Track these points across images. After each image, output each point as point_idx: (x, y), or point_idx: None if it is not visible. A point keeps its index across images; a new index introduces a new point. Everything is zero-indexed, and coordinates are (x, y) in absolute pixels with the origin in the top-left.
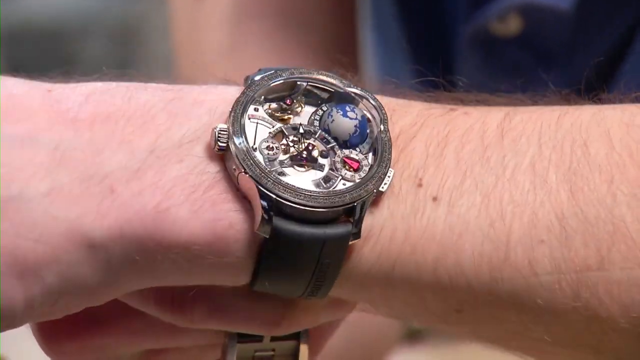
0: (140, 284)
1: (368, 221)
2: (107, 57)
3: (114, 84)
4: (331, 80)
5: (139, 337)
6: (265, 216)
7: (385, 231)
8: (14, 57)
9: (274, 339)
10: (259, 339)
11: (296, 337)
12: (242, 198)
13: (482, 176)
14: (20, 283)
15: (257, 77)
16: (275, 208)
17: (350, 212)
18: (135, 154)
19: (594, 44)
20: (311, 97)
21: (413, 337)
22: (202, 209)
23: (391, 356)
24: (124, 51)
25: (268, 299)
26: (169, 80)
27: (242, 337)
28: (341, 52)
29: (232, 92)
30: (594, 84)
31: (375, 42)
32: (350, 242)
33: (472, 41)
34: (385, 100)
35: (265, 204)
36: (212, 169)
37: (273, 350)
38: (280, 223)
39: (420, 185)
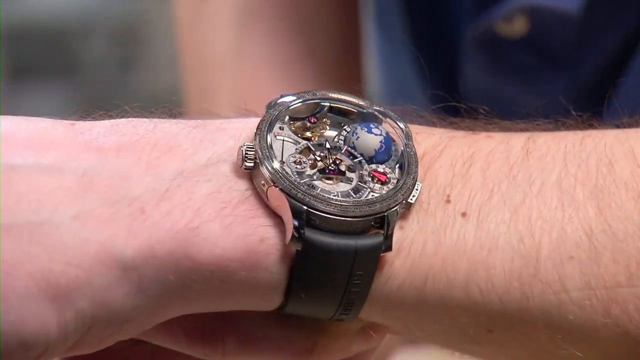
0: (174, 308)
1: (398, 235)
2: (108, 57)
3: (135, 119)
4: (354, 100)
5: None
6: (296, 229)
7: (415, 245)
8: (15, 57)
9: None
10: None
11: None
12: (272, 213)
13: (510, 193)
14: (53, 307)
15: (280, 101)
16: (306, 220)
17: (380, 223)
18: (163, 177)
19: (599, 45)
20: (333, 119)
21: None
22: (233, 225)
23: (392, 357)
24: (125, 51)
25: (299, 326)
26: (173, 81)
27: None
28: (345, 52)
29: (254, 121)
30: (602, 87)
31: (379, 42)
32: (381, 254)
33: (478, 42)
34: (408, 124)
35: (295, 216)
36: (241, 186)
37: None
38: (312, 235)
39: (448, 201)
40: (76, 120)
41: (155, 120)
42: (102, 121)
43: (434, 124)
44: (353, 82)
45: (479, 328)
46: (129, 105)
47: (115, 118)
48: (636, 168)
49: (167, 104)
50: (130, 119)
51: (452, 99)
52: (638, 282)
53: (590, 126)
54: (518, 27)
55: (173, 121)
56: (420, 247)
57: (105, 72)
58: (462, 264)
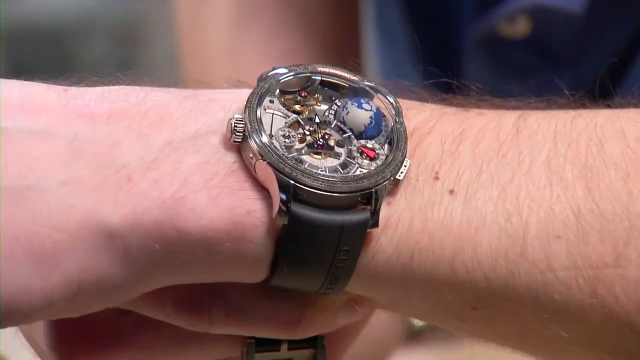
0: (160, 278)
1: (385, 211)
2: (108, 57)
3: (128, 86)
4: (345, 74)
5: (154, 353)
6: (283, 203)
7: (402, 221)
8: (15, 57)
9: (291, 347)
10: (276, 348)
11: (314, 345)
12: (260, 186)
13: (499, 171)
14: (38, 271)
15: (271, 73)
16: (293, 194)
17: (367, 199)
18: (152, 146)
19: (603, 46)
20: (324, 93)
21: (414, 337)
22: (220, 196)
23: (392, 357)
24: (125, 51)
25: (286, 298)
26: (174, 78)
27: (259, 347)
28: (344, 53)
29: (246, 93)
30: (604, 87)
31: (379, 43)
32: (368, 230)
33: (480, 43)
34: (398, 100)
35: (283, 190)
36: (229, 158)
37: (291, 359)
38: (299, 209)
39: (436, 178)
40: (70, 86)
41: (147, 88)
42: (95, 88)
43: (425, 100)
44: (355, 69)
45: (465, 305)
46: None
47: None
48: (626, 148)
49: (171, 80)
50: (122, 86)
51: (445, 76)
52: (625, 263)
53: (582, 105)
54: (520, 27)
55: (165, 90)
56: (407, 223)
57: (104, 73)
58: (448, 240)
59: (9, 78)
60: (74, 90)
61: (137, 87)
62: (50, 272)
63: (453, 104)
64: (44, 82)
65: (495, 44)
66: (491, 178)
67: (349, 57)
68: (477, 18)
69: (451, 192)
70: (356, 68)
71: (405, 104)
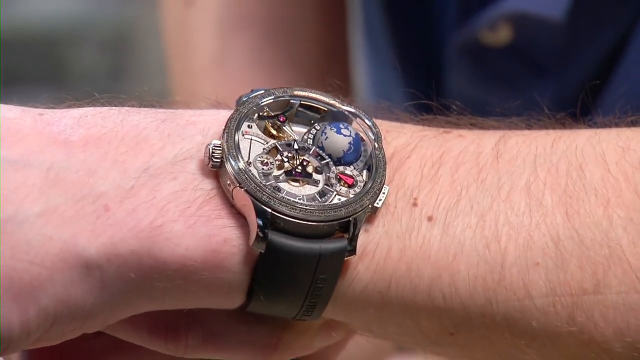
0: (136, 306)
1: (363, 238)
2: (99, 64)
3: (105, 108)
4: (324, 98)
5: None
6: (260, 231)
7: (380, 249)
8: (4, 64)
9: None
10: None
11: None
12: (237, 214)
13: (478, 197)
14: (16, 306)
15: (251, 96)
16: (270, 223)
17: (345, 227)
18: (128, 173)
19: (585, 54)
20: (303, 116)
21: (404, 348)
22: (196, 225)
23: None
24: (116, 58)
25: (263, 322)
26: (163, 86)
27: None
28: (330, 61)
29: (224, 114)
30: (585, 96)
31: (367, 52)
32: (345, 258)
33: (462, 50)
34: (379, 122)
35: (260, 218)
36: (206, 185)
37: None
38: (276, 238)
39: (415, 204)
40: (46, 108)
41: (124, 111)
42: (71, 111)
43: (405, 121)
44: (338, 90)
45: (442, 331)
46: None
47: (85, 107)
48: (606, 173)
49: (151, 99)
50: (99, 109)
51: (426, 98)
52: (604, 290)
53: (563, 125)
54: (502, 35)
55: (142, 112)
56: (385, 252)
57: (95, 81)
58: (426, 269)
59: (0, 85)
60: (49, 115)
61: (115, 110)
62: (27, 305)
63: (433, 123)
64: (36, 90)
65: (477, 51)
66: (470, 205)
67: (336, 65)
68: (459, 25)
69: (430, 218)
70: (336, 89)
71: (384, 125)
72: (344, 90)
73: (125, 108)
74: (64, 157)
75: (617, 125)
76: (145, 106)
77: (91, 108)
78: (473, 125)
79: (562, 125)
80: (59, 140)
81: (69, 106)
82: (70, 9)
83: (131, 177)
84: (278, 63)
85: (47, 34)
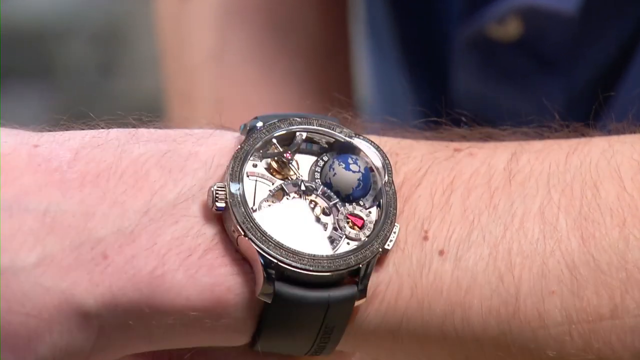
0: (136, 347)
1: (373, 279)
2: (89, 60)
3: (103, 135)
4: (332, 132)
5: None
6: (267, 281)
7: (391, 289)
8: None
9: None
10: None
11: None
12: (242, 260)
13: (490, 226)
14: (12, 356)
15: (255, 126)
16: (276, 272)
17: (355, 272)
18: (128, 216)
19: (597, 48)
20: (311, 146)
21: None
22: (198, 274)
23: None
24: (107, 54)
25: (270, 356)
26: (155, 80)
27: None
28: (331, 54)
29: (228, 140)
30: (595, 92)
31: (369, 46)
32: (355, 304)
33: (469, 46)
34: (388, 144)
35: (266, 269)
36: (209, 231)
37: None
38: (283, 288)
39: (426, 238)
40: (42, 131)
41: (124, 141)
42: (68, 142)
43: (415, 137)
44: (339, 83)
45: None
46: (110, 112)
47: (86, 129)
48: (622, 191)
49: (149, 110)
50: (97, 139)
51: (438, 108)
52: (622, 314)
53: (576, 132)
54: (511, 29)
55: (142, 142)
56: (396, 292)
57: (85, 76)
58: (438, 305)
59: None
60: (45, 147)
61: (114, 140)
62: (25, 356)
63: (443, 137)
64: (25, 86)
65: (485, 46)
66: (482, 235)
67: (337, 59)
68: (466, 18)
69: (441, 253)
70: (344, 105)
71: (394, 148)
72: (348, 106)
73: (124, 136)
74: (60, 198)
75: (632, 132)
76: (144, 126)
77: (89, 137)
78: (483, 137)
79: (575, 132)
80: (54, 180)
81: (67, 128)
82: (61, 2)
83: (130, 221)
84: (278, 59)
85: (36, 28)
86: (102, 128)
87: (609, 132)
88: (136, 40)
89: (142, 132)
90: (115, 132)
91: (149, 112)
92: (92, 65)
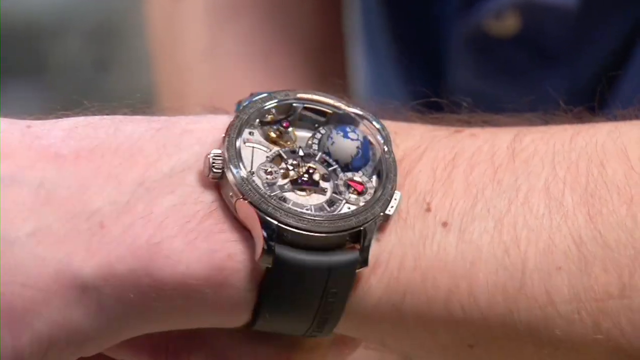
0: (135, 328)
1: (375, 249)
2: (82, 57)
3: (96, 118)
4: (330, 101)
5: None
6: (267, 245)
7: (393, 258)
8: None
9: None
10: None
11: None
12: (241, 227)
13: (494, 200)
14: (8, 332)
15: (249, 101)
16: (277, 235)
17: (356, 238)
18: (123, 188)
19: (598, 43)
20: (308, 120)
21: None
22: (197, 240)
23: None
24: (103, 50)
25: (271, 341)
26: (149, 77)
27: None
28: (327, 47)
29: (223, 120)
30: (602, 88)
31: (364, 40)
32: (357, 270)
33: (466, 41)
34: (386, 123)
35: (266, 231)
36: (207, 198)
37: None
38: (283, 251)
39: (428, 210)
40: (35, 119)
41: (117, 120)
42: (61, 122)
43: (413, 121)
44: (335, 77)
45: (460, 343)
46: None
47: (75, 117)
48: (629, 169)
49: (143, 105)
50: (90, 119)
51: (435, 95)
52: (631, 293)
53: (581, 120)
54: (510, 24)
55: (136, 121)
56: (398, 262)
57: (80, 73)
58: (442, 278)
59: None
60: (38, 127)
61: (107, 120)
62: (21, 331)
63: (444, 122)
64: (20, 83)
65: (482, 41)
66: (487, 208)
67: (332, 52)
68: (463, 14)
69: (444, 224)
70: (339, 89)
71: (393, 126)
72: (345, 89)
73: (117, 117)
74: (54, 172)
75: (637, 117)
76: (137, 114)
77: (82, 118)
78: (486, 123)
79: (579, 119)
80: (49, 155)
81: (58, 116)
82: None
83: (126, 192)
84: (273, 54)
85: (28, 23)
86: (96, 114)
87: (615, 118)
88: (131, 37)
89: (136, 116)
90: (107, 116)
91: (143, 108)
92: (87, 62)
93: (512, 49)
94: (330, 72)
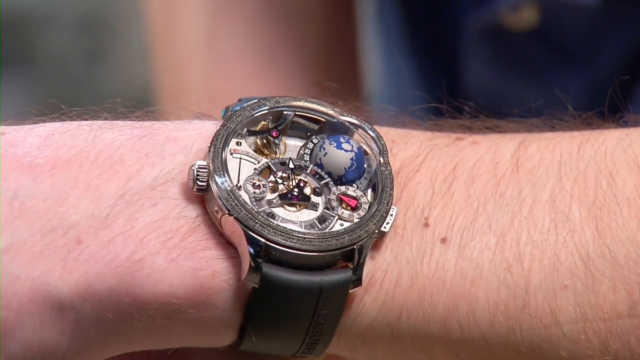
0: (115, 348)
1: (369, 266)
2: (76, 48)
3: (75, 124)
4: (322, 108)
5: None
6: (253, 263)
7: (389, 277)
8: None
9: None
10: None
11: None
12: (226, 244)
13: (497, 214)
14: None
15: (238, 107)
16: (264, 253)
17: (349, 256)
18: (102, 200)
19: (616, 41)
20: (300, 128)
21: None
22: (180, 258)
23: None
24: (94, 41)
25: (258, 359)
26: (144, 69)
27: None
28: (334, 42)
29: (209, 127)
30: (615, 91)
31: (377, 34)
32: (350, 290)
33: (481, 35)
34: (384, 131)
35: (252, 249)
36: (191, 212)
37: None
38: (271, 270)
39: (427, 224)
40: (9, 125)
41: (96, 127)
42: (37, 128)
43: (413, 127)
44: (344, 73)
45: None
46: (97, 103)
47: (52, 122)
48: None
49: (138, 101)
50: (68, 125)
51: (447, 99)
52: None
53: (590, 125)
54: (527, 17)
55: (117, 127)
56: (394, 280)
57: (70, 65)
58: (440, 297)
59: None
60: (12, 134)
61: (86, 126)
62: None
63: (444, 128)
64: (5, 75)
65: (498, 35)
66: (488, 223)
67: (341, 46)
68: (478, 7)
69: (443, 240)
70: (334, 93)
71: (389, 134)
72: (343, 94)
73: (97, 123)
74: (29, 183)
75: None
76: (119, 118)
77: (59, 124)
78: (489, 129)
79: (588, 125)
80: (23, 164)
81: (34, 122)
82: None
83: (106, 205)
84: (277, 48)
85: (16, 13)
86: (75, 120)
87: (626, 124)
88: (124, 27)
89: (117, 122)
90: (86, 122)
91: (138, 103)
92: (78, 54)
93: (529, 43)
94: (340, 66)
